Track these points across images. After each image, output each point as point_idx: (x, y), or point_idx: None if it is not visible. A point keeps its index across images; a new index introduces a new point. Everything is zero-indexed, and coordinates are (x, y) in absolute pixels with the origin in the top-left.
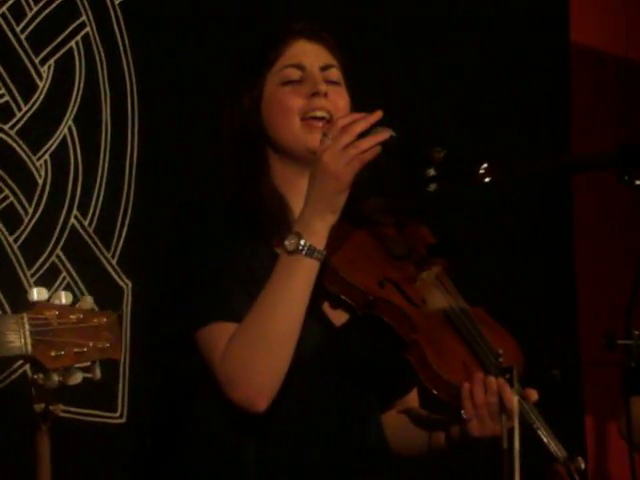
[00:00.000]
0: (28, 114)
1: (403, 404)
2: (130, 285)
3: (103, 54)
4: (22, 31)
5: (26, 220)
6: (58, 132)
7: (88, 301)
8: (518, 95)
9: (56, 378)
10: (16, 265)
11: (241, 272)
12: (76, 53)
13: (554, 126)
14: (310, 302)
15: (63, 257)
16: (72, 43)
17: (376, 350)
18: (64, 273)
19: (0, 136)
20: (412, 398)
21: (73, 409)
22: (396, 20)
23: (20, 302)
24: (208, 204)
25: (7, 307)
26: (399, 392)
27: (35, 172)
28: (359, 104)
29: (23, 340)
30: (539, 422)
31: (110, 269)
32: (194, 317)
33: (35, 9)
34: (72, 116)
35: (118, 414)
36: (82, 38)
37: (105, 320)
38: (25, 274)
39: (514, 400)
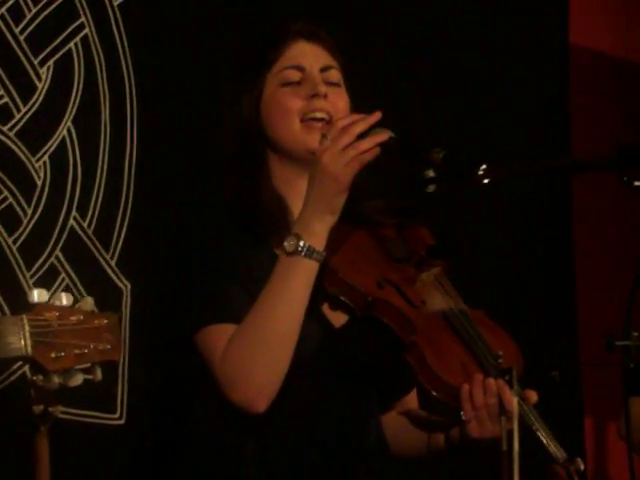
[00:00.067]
0: (27, 115)
1: (402, 405)
2: (129, 286)
3: (102, 55)
4: (21, 32)
5: (25, 221)
6: (57, 133)
7: (89, 302)
8: (518, 95)
9: (56, 380)
10: (15, 266)
11: (240, 273)
12: (75, 54)
13: (554, 126)
14: (309, 303)
15: (62, 258)
16: (71, 44)
17: (375, 351)
18: (63, 274)
19: None
20: (411, 399)
21: (72, 410)
22: (396, 20)
23: (19, 303)
24: (207, 205)
25: (6, 308)
26: (398, 393)
27: (34, 173)
28: (359, 105)
29: (23, 341)
30: (538, 423)
31: (109, 270)
32: (194, 318)
33: (34, 10)
34: (71, 117)
35: (117, 415)
36: (81, 39)
37: (106, 321)
38: (24, 275)
39: (513, 401)
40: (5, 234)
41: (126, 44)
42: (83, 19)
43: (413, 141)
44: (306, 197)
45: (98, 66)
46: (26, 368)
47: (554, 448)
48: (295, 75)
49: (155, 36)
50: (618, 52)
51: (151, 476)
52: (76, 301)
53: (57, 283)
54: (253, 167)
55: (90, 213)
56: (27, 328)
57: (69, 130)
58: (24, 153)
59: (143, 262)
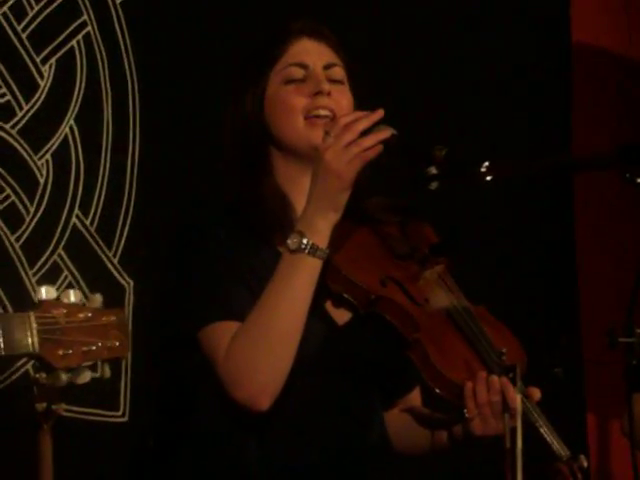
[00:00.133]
0: (29, 113)
1: (405, 403)
2: (132, 284)
3: (104, 53)
4: (23, 30)
5: (27, 219)
6: (59, 131)
7: (96, 299)
8: (519, 94)
9: (64, 377)
10: (18, 264)
11: (243, 271)
12: (77, 52)
13: (555, 125)
14: (313, 301)
15: (65, 256)
16: (73, 42)
17: (379, 349)
18: (66, 272)
19: (1, 135)
20: (414, 397)
21: (75, 408)
22: (399, 18)
23: (22, 301)
24: (209, 203)
25: (9, 306)
26: (402, 391)
27: (36, 171)
28: (362, 102)
29: (30, 339)
30: (542, 421)
31: (112, 268)
32: (196, 317)
33: (36, 8)
34: (73, 115)
35: (120, 413)
36: (83, 37)
37: (113, 318)
38: (27, 273)
39: (517, 399)
40: (8, 232)
41: (128, 42)
42: (85, 17)
43: (416, 138)
44: (309, 194)
45: (100, 64)
46: (29, 366)
47: (557, 445)
48: (298, 73)
49: (157, 34)
50: (619, 51)
51: (154, 474)
52: (85, 298)
53: (60, 281)
54: (256, 165)
55: (92, 211)
56: (34, 325)
57: (71, 128)
58: (26, 151)
59: (145, 260)
